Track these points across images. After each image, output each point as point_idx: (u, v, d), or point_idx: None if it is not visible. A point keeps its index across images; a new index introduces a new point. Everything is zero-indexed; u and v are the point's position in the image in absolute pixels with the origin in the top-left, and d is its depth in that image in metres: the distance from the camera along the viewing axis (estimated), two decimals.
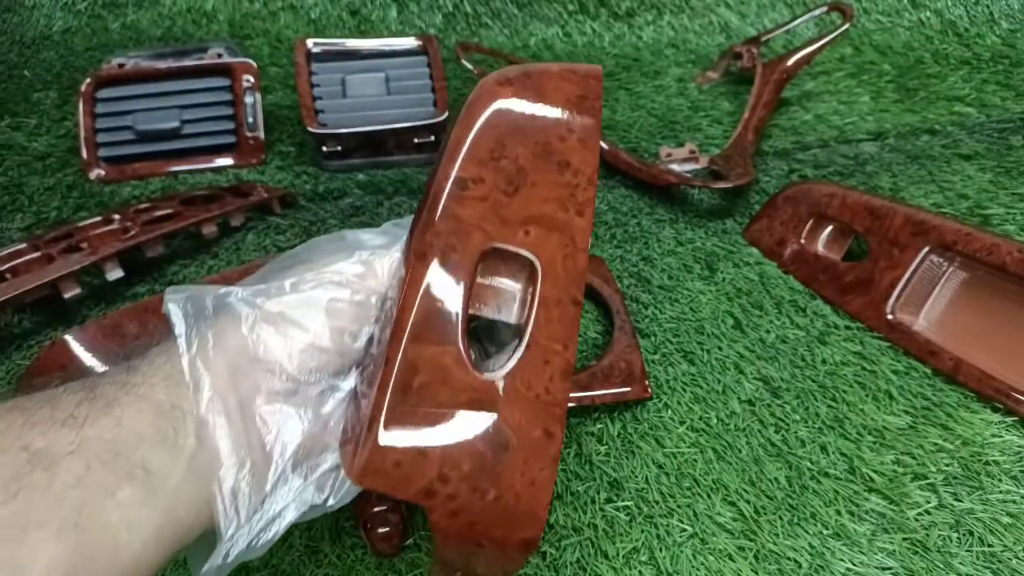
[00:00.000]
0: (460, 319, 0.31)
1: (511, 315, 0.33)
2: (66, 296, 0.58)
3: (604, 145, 0.83)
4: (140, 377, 0.29)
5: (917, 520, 0.48)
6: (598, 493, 0.50)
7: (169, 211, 0.68)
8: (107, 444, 0.27)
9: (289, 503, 0.31)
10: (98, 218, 0.64)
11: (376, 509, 0.44)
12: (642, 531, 0.48)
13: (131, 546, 0.26)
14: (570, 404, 0.53)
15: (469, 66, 0.89)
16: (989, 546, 0.47)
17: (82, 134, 0.79)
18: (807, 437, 0.54)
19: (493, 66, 0.99)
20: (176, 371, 0.30)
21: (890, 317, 0.60)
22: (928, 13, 1.16)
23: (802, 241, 0.67)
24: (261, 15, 1.14)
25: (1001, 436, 0.53)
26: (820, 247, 0.67)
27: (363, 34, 1.12)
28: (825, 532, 0.48)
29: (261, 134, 0.84)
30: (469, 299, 0.32)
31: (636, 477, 0.51)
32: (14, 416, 0.27)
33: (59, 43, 1.08)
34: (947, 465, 0.51)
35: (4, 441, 0.26)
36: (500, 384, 0.31)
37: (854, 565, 0.46)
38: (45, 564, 0.24)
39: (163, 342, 0.31)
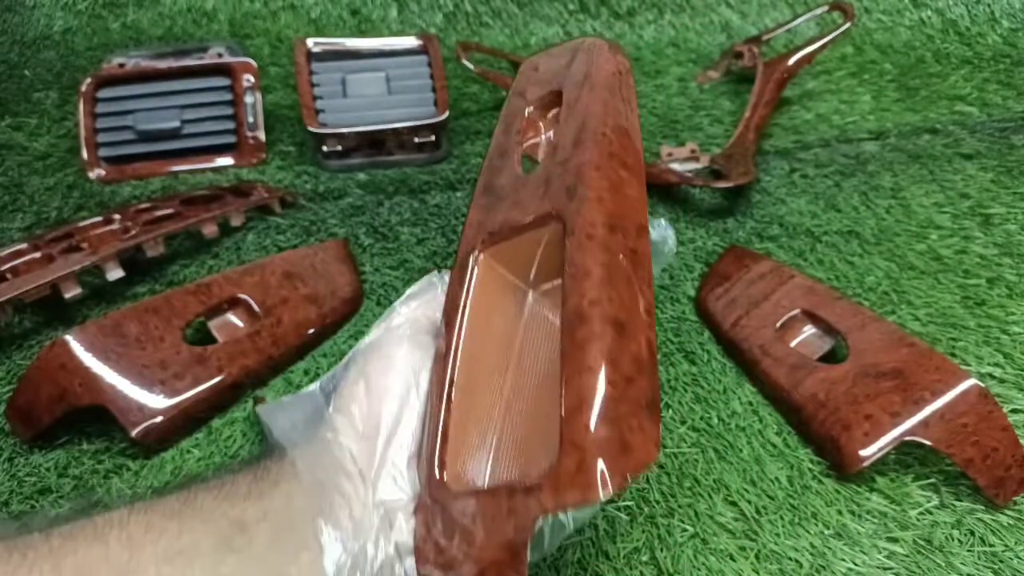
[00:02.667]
0: None
1: None
2: (66, 296, 0.58)
3: None
4: (296, 461, 0.33)
5: (919, 520, 0.48)
6: None
7: (169, 211, 0.68)
8: (285, 514, 0.31)
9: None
10: (98, 218, 0.64)
11: None
12: (643, 531, 0.48)
13: None
14: None
15: (470, 66, 0.89)
16: (991, 546, 0.47)
17: (82, 134, 0.79)
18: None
19: (493, 65, 0.99)
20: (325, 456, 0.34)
21: None
22: (929, 12, 1.16)
23: None
24: (261, 15, 1.14)
25: None
26: None
27: (363, 33, 1.12)
28: (827, 532, 0.47)
29: (261, 134, 0.84)
30: None
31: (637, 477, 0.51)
32: (205, 493, 0.31)
33: (60, 43, 1.08)
34: (948, 465, 0.51)
35: (205, 514, 0.30)
36: None
37: (856, 565, 0.46)
38: None
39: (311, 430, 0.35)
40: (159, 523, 0.29)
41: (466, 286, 0.38)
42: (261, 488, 0.31)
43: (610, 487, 0.27)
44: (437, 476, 0.33)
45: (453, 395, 0.35)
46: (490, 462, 0.34)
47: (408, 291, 0.41)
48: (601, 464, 0.28)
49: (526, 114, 0.44)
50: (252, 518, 0.30)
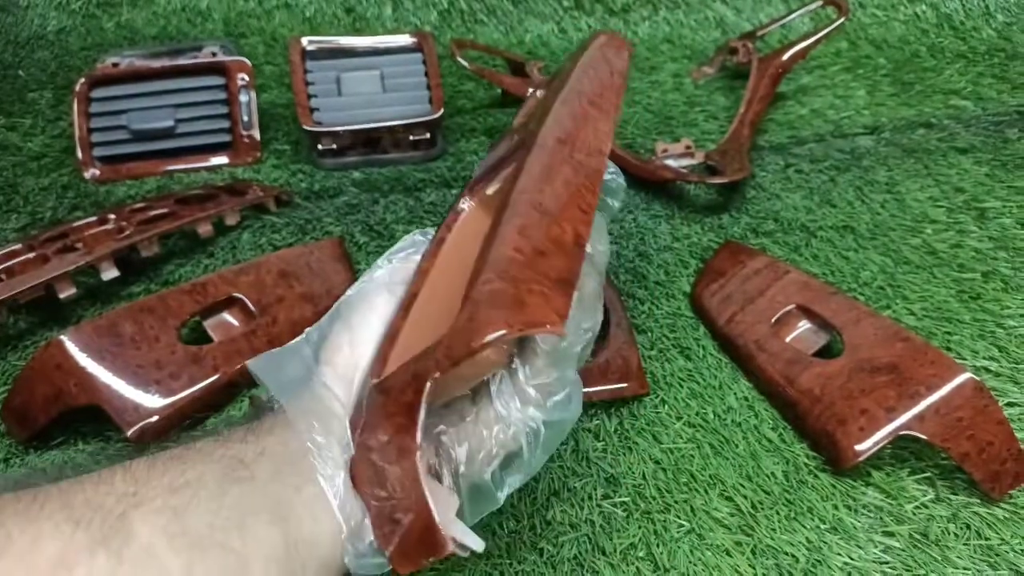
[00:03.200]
0: None
1: None
2: (61, 296, 0.58)
3: None
4: (288, 410, 0.34)
5: (914, 514, 0.48)
6: (595, 489, 0.50)
7: (164, 210, 0.68)
8: (283, 454, 0.32)
9: None
10: (93, 218, 0.64)
11: None
12: (639, 527, 0.48)
13: (320, 540, 0.30)
14: None
15: (464, 63, 0.88)
16: (986, 540, 0.47)
17: (77, 134, 0.79)
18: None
19: (488, 63, 0.99)
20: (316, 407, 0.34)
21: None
22: (924, 7, 1.16)
23: None
24: (256, 13, 1.14)
25: None
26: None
27: (358, 32, 1.12)
28: (822, 526, 0.48)
29: (256, 132, 0.84)
30: None
31: (633, 473, 0.51)
32: (205, 440, 0.32)
33: (54, 43, 1.07)
34: (944, 459, 0.51)
35: (206, 454, 0.31)
36: None
37: (852, 559, 0.46)
38: (268, 549, 0.29)
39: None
40: (162, 464, 0.30)
41: (450, 225, 0.40)
42: (257, 435, 0.32)
43: (492, 335, 0.26)
44: (376, 372, 0.33)
45: (412, 307, 0.36)
46: None
47: (392, 247, 0.42)
48: (489, 315, 0.27)
49: (538, 94, 0.47)
50: (251, 456, 0.31)
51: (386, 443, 0.30)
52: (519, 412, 0.33)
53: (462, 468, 0.33)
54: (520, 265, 0.29)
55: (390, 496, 0.30)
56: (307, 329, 0.39)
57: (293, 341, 0.39)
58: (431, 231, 0.42)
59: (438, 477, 0.33)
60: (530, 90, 0.50)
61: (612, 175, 0.42)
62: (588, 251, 0.35)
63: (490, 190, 0.41)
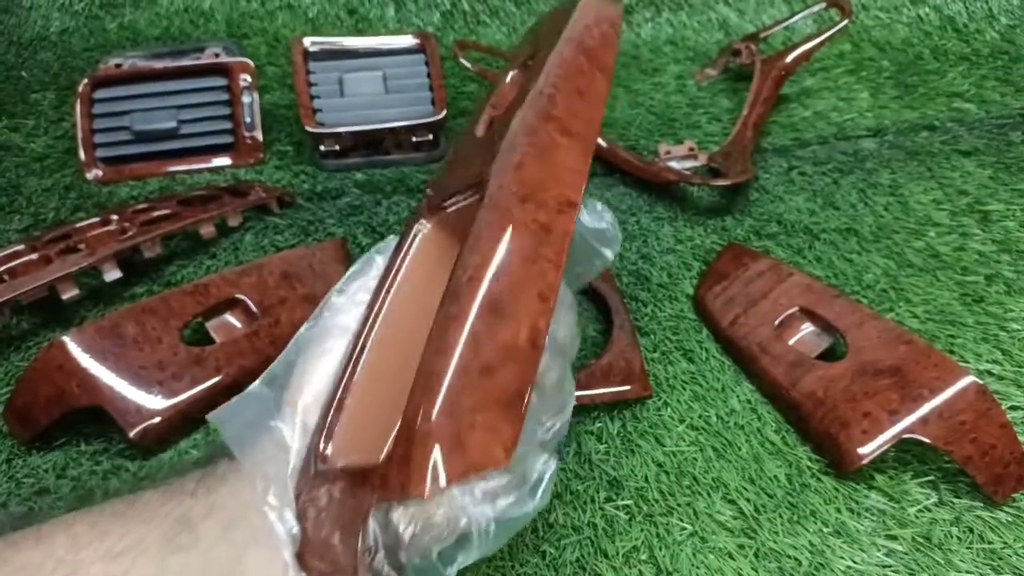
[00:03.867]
0: None
1: None
2: (64, 297, 0.58)
3: (602, 143, 0.83)
4: (244, 457, 0.33)
5: (918, 517, 0.48)
6: (598, 492, 0.50)
7: (167, 211, 0.68)
8: (234, 507, 0.31)
9: None
10: (96, 219, 0.64)
11: None
12: (642, 530, 0.48)
13: None
14: None
15: (467, 64, 0.88)
16: (989, 543, 0.47)
17: (79, 135, 0.79)
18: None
19: (491, 64, 0.99)
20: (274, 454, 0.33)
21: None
22: (927, 9, 1.16)
23: None
24: (259, 14, 1.14)
25: None
26: None
27: (361, 32, 1.12)
28: (825, 530, 0.47)
29: (259, 134, 0.84)
30: None
31: (636, 476, 0.51)
32: (152, 493, 0.31)
33: (56, 44, 1.07)
34: (947, 462, 0.51)
35: (151, 511, 0.30)
36: None
37: (855, 563, 0.46)
38: None
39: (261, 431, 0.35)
40: (104, 524, 0.29)
41: (403, 255, 0.37)
42: (208, 484, 0.31)
43: (428, 486, 0.25)
44: (321, 448, 0.32)
45: (360, 366, 0.34)
46: (383, 438, 0.31)
47: (349, 271, 0.40)
48: (424, 460, 0.25)
49: (508, 78, 0.40)
50: (198, 515, 0.30)
51: (324, 514, 0.29)
52: (471, 506, 0.31)
53: (406, 548, 0.31)
54: (461, 391, 0.26)
55: (329, 570, 0.28)
56: (268, 369, 0.38)
57: (253, 384, 0.37)
58: (392, 241, 0.39)
59: (385, 549, 0.31)
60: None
61: (608, 224, 0.38)
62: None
63: (451, 210, 0.37)
